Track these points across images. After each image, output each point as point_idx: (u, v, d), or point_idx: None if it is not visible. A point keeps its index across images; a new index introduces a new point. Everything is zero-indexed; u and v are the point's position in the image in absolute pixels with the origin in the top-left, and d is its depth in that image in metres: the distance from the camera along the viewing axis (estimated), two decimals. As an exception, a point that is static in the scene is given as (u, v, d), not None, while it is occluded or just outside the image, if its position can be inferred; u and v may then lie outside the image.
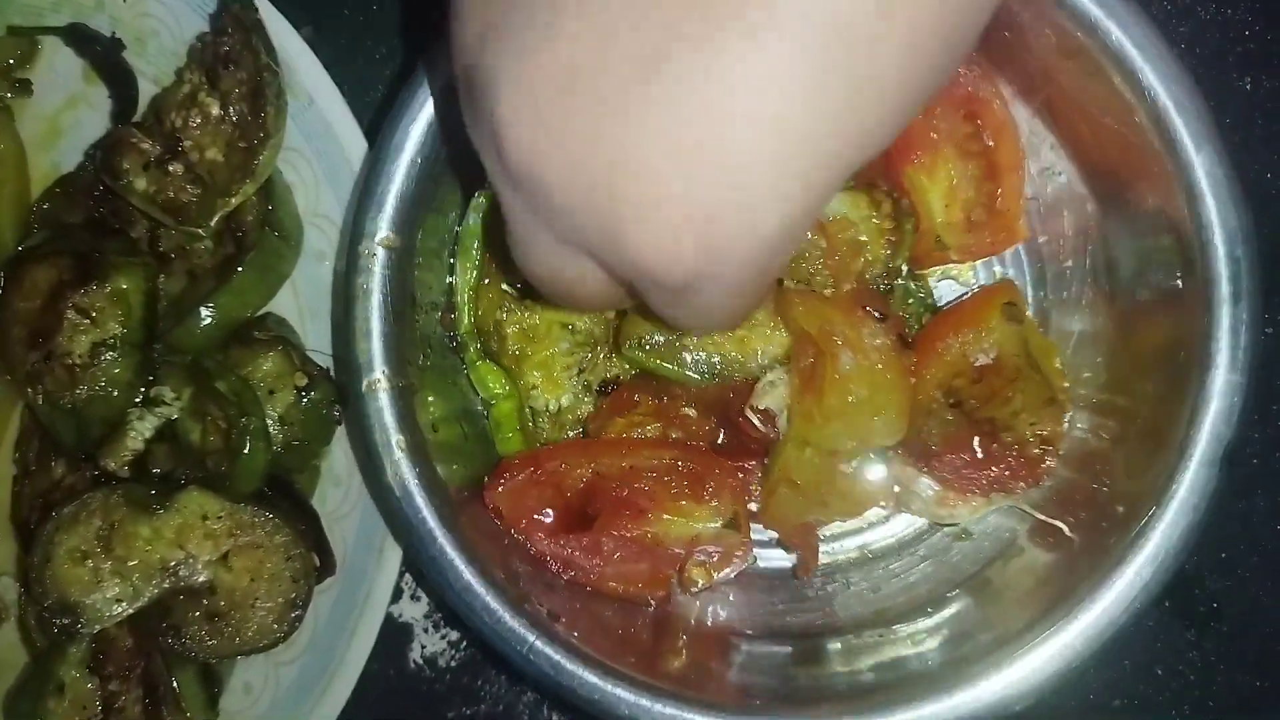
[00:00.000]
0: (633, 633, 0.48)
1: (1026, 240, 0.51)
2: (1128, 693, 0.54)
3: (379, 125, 0.45)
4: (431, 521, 0.44)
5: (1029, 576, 0.47)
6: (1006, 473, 0.47)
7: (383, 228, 0.45)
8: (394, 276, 0.46)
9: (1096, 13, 0.42)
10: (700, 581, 0.48)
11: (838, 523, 0.52)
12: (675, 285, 0.31)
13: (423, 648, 0.57)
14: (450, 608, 0.44)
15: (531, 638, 0.43)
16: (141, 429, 0.52)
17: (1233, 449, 0.41)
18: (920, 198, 0.49)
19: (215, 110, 0.53)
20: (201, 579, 0.51)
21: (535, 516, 0.49)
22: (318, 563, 0.52)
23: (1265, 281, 0.52)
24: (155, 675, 0.53)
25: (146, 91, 0.57)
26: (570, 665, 0.43)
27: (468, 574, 0.44)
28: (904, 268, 0.49)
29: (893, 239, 0.47)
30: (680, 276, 0.31)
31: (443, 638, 0.57)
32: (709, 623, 0.50)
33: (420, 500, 0.45)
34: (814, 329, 0.45)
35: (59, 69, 0.58)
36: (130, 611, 0.51)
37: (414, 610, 0.56)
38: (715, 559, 0.48)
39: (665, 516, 0.48)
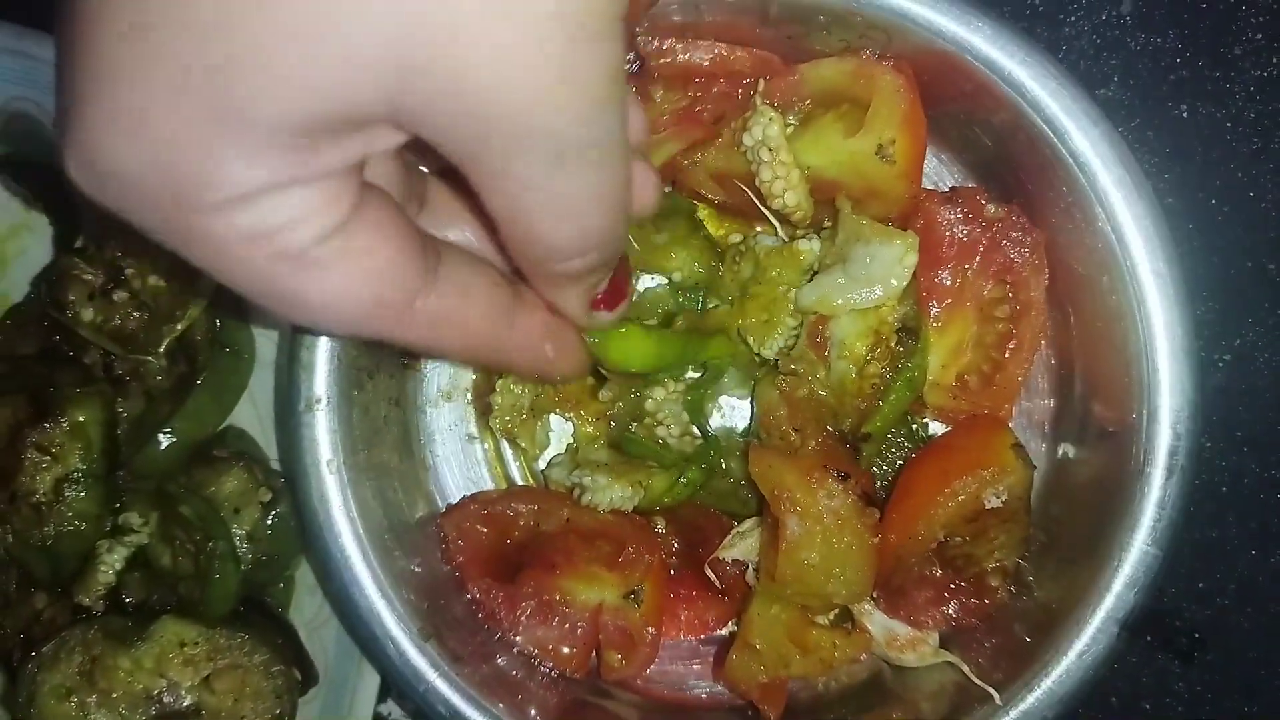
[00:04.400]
0: (530, 684, 0.49)
1: (1009, 421, 0.49)
2: (1117, 727, 0.54)
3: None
4: (350, 547, 0.45)
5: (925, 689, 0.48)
6: (960, 609, 0.47)
7: None
8: None
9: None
10: (616, 668, 0.48)
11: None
12: None
13: (413, 743, 0.57)
14: (360, 640, 0.46)
15: (432, 676, 0.45)
16: (111, 561, 0.52)
17: (1135, 616, 0.43)
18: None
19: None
20: (186, 703, 0.51)
21: (475, 556, 0.50)
22: (299, 676, 0.52)
23: (1219, 310, 0.52)
24: (151, 799, 0.53)
25: (88, 216, 0.57)
26: (468, 711, 0.44)
27: (379, 603, 0.45)
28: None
29: (861, 403, 0.46)
30: None
31: (434, 730, 0.57)
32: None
33: (341, 523, 0.45)
34: (767, 490, 0.44)
35: (1, 198, 0.58)
36: (119, 742, 0.52)
37: (399, 711, 0.57)
38: (626, 648, 0.48)
39: (574, 577, 0.48)
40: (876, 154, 0.43)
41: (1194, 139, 0.52)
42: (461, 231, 0.37)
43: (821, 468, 0.44)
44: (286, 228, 0.28)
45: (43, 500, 0.52)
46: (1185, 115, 0.52)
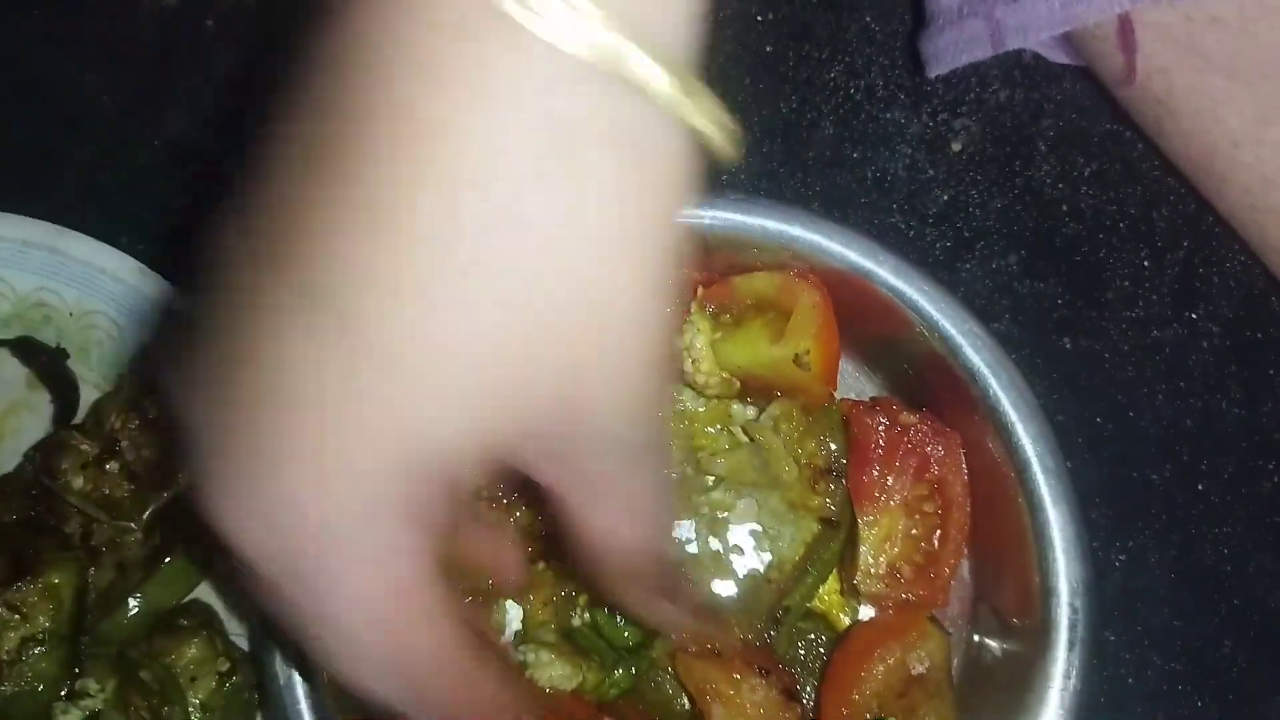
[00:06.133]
0: None
1: (944, 607, 0.53)
2: None
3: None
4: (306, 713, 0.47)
5: None
6: None
7: None
8: None
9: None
10: None
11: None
12: None
13: None
14: None
15: None
16: (65, 724, 0.53)
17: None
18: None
19: (153, 412, 0.58)
20: None
21: None
22: None
23: (1110, 516, 0.59)
24: None
25: (87, 397, 0.62)
26: None
27: None
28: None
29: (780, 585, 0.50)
30: None
31: None
32: None
33: (300, 693, 0.47)
34: (693, 686, 0.49)
35: (4, 378, 0.63)
36: None
37: None
38: None
39: None
40: (795, 362, 0.50)
41: (1077, 367, 0.60)
42: None
43: (744, 664, 0.49)
44: None
45: (5, 658, 0.53)
46: (1068, 347, 0.60)
